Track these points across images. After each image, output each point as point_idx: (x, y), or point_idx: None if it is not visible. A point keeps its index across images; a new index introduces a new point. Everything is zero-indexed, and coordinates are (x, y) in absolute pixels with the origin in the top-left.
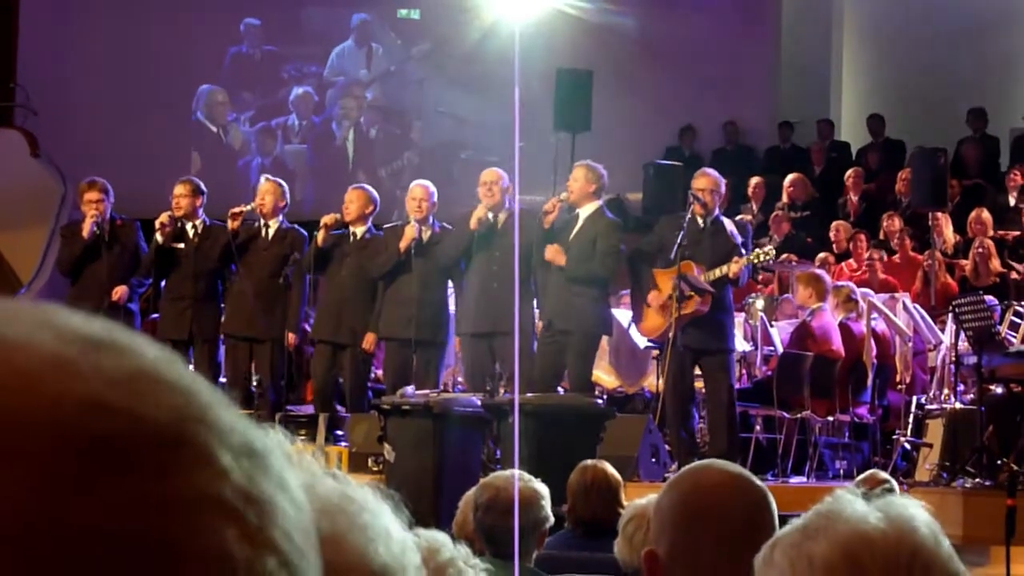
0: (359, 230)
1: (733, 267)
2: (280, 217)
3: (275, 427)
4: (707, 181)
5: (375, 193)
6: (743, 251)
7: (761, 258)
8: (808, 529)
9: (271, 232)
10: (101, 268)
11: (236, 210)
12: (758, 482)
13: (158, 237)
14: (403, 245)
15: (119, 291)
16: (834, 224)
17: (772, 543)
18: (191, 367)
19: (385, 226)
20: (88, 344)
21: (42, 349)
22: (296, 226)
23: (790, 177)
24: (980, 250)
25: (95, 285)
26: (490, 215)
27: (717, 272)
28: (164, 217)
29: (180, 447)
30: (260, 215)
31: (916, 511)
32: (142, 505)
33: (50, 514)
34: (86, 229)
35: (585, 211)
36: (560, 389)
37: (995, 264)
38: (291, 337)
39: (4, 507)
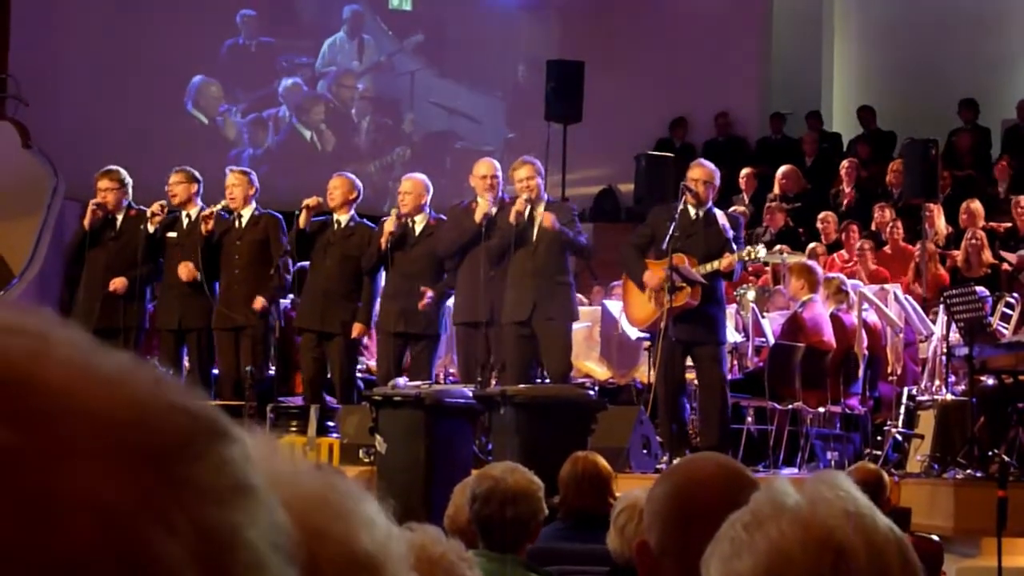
0: (343, 218)
1: (725, 262)
2: (253, 204)
3: (263, 419)
4: (702, 172)
5: (358, 181)
6: (735, 245)
7: (751, 256)
8: (735, 543)
9: (244, 220)
10: (103, 258)
11: (205, 213)
12: (750, 474)
13: (149, 226)
14: (382, 241)
15: (116, 283)
16: (822, 215)
17: (712, 546)
18: (184, 358)
19: (384, 220)
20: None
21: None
22: (270, 211)
23: (783, 169)
24: (973, 241)
25: (96, 276)
26: (493, 209)
27: (708, 267)
28: (156, 206)
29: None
30: (232, 208)
31: (839, 503)
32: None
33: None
34: (87, 218)
35: (539, 206)
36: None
37: (987, 255)
38: (259, 302)
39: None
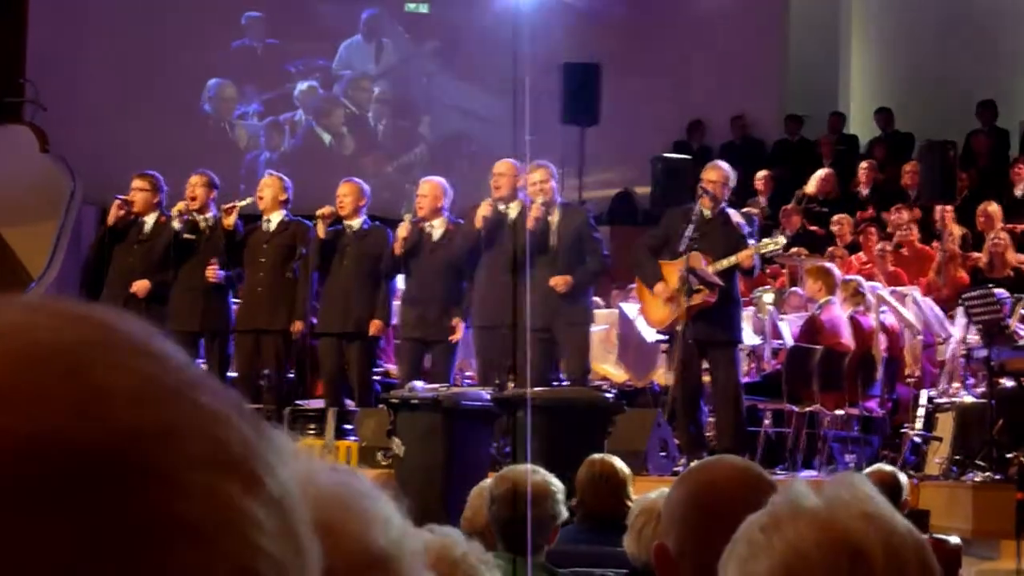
0: (355, 223)
1: (743, 256)
2: (283, 211)
3: (281, 422)
4: (718, 174)
5: (366, 185)
6: (750, 241)
7: (771, 247)
8: (752, 545)
9: (272, 226)
10: (127, 261)
11: (227, 206)
12: (767, 476)
13: (175, 224)
14: (397, 248)
15: (138, 285)
16: (836, 217)
17: (730, 548)
18: (201, 361)
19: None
20: (47, 359)
21: None
22: (300, 219)
23: (822, 172)
24: (996, 242)
25: (121, 277)
26: (501, 207)
27: (725, 262)
28: (181, 205)
29: (134, 470)
30: (260, 209)
31: (857, 505)
32: (97, 539)
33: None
34: (111, 214)
35: (555, 210)
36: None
37: (1011, 257)
38: (297, 324)
39: None
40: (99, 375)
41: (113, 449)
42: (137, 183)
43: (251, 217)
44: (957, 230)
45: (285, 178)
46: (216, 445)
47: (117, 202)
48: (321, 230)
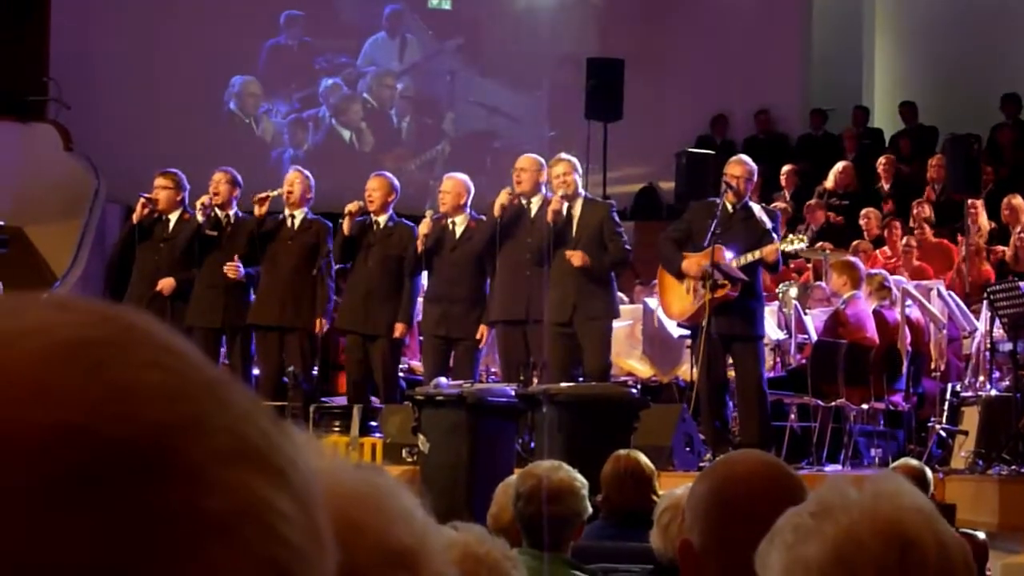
0: (382, 219)
1: (768, 251)
2: (306, 208)
3: (307, 419)
4: (741, 168)
5: (396, 180)
6: (774, 235)
7: (794, 244)
8: (800, 530)
9: (296, 222)
10: (153, 259)
11: (262, 195)
12: (791, 471)
13: (199, 216)
14: (419, 244)
15: (164, 283)
16: (864, 211)
17: (770, 537)
18: (223, 358)
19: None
20: (73, 354)
21: (18, 366)
22: (321, 217)
23: (840, 164)
24: (1022, 235)
25: (146, 276)
26: (523, 201)
27: (750, 256)
28: (204, 199)
29: (161, 464)
30: (286, 204)
31: (906, 498)
32: (124, 532)
33: (27, 549)
34: (136, 212)
35: (577, 203)
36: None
37: None
38: (321, 322)
39: None
40: (123, 371)
41: (139, 443)
42: (160, 181)
43: (271, 212)
44: (986, 224)
45: (311, 177)
46: (240, 440)
47: (142, 200)
48: (347, 227)
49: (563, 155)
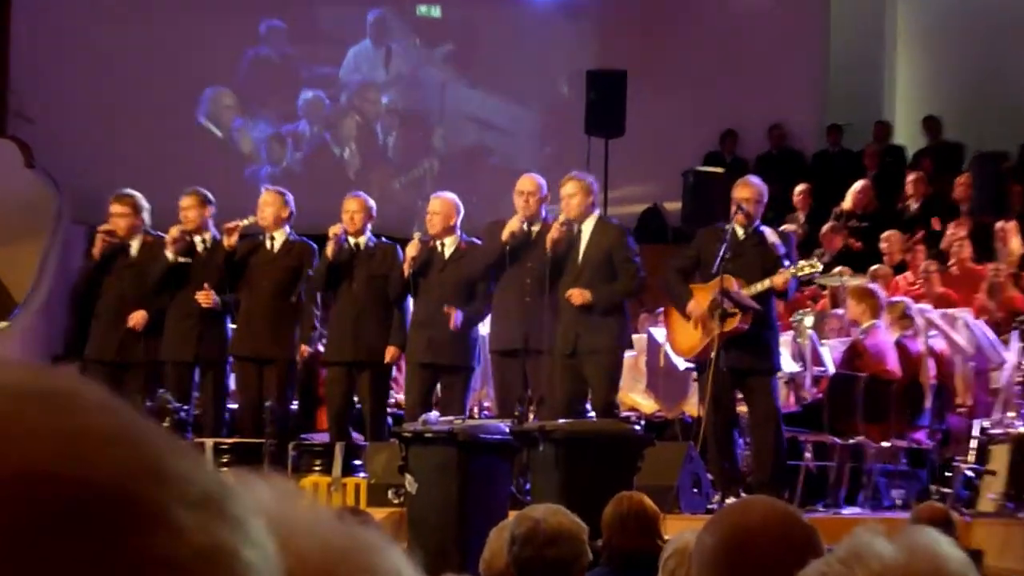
0: (362, 240)
1: (778, 279)
2: (286, 228)
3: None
4: (750, 191)
5: (370, 200)
6: (787, 262)
7: (807, 271)
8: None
9: (276, 244)
10: (119, 287)
11: (230, 225)
12: (806, 521)
13: (168, 253)
14: (405, 267)
15: (136, 317)
16: (885, 234)
17: None
18: (195, 392)
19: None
20: (27, 402)
21: None
22: (304, 238)
23: (859, 183)
24: None
25: (111, 306)
26: (525, 226)
27: (759, 286)
28: (175, 231)
29: (128, 508)
30: (262, 228)
31: (944, 551)
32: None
33: None
34: (96, 247)
35: (587, 225)
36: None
37: None
38: (303, 349)
39: None
40: (76, 417)
41: (104, 488)
42: (115, 208)
43: (249, 234)
44: (1018, 247)
45: (287, 193)
46: (198, 486)
47: (100, 235)
48: (331, 251)
49: (575, 173)
